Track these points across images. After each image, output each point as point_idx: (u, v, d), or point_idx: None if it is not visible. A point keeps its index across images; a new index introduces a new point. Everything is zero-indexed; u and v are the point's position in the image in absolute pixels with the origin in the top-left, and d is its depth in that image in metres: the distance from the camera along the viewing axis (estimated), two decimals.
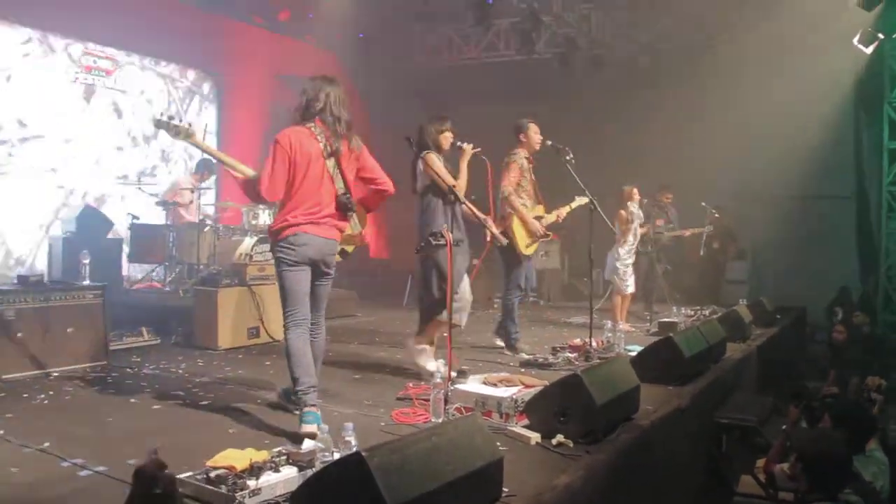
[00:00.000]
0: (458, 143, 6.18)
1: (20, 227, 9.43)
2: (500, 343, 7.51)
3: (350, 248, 5.33)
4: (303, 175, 4.59)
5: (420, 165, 6.10)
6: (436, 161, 6.01)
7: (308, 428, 4.25)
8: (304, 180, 4.60)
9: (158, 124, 4.74)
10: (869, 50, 10.61)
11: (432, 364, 5.89)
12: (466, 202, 5.88)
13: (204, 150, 4.94)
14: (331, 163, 4.71)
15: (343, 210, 4.77)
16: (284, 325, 4.70)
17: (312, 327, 4.83)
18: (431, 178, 6.04)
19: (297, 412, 4.48)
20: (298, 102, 4.79)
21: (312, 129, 4.69)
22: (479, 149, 6.14)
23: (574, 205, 7.69)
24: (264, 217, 9.68)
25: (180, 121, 4.74)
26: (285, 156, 4.55)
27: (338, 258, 5.00)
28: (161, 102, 11.32)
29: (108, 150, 10.39)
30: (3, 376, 5.71)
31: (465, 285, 6.28)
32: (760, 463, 5.74)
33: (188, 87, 11.98)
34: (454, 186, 5.75)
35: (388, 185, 5.09)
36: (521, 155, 7.38)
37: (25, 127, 9.49)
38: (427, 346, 6.26)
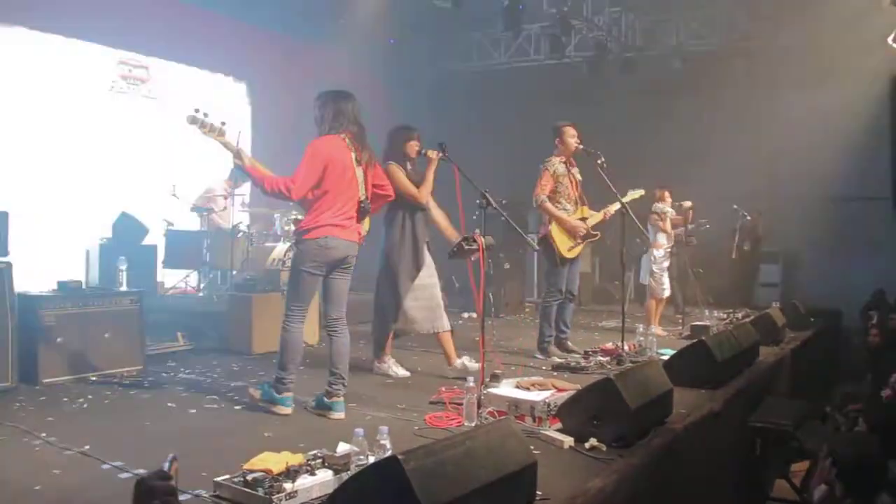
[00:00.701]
0: (424, 151, 6.29)
1: (63, 236, 9.59)
2: (555, 358, 7.27)
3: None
4: (335, 181, 4.93)
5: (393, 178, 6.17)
6: (398, 172, 6.21)
7: (285, 409, 5.02)
8: (336, 186, 4.94)
9: (193, 120, 4.95)
10: None
11: (402, 370, 6.40)
12: (499, 208, 5.83)
13: (231, 151, 5.09)
14: (360, 171, 5.09)
15: (362, 214, 5.19)
16: (287, 317, 5.08)
17: (335, 324, 5.24)
18: (395, 189, 6.01)
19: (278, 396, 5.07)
20: (322, 114, 5.12)
21: (345, 139, 5.03)
22: (444, 155, 6.12)
23: (627, 199, 7.61)
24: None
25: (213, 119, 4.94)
26: (320, 162, 4.88)
27: None
28: (194, 110, 11.44)
29: (142, 157, 10.53)
30: (44, 380, 5.83)
31: (436, 290, 6.56)
32: (795, 467, 5.71)
33: (221, 95, 12.10)
34: (485, 192, 5.72)
35: (391, 191, 5.58)
36: (555, 161, 7.40)
37: (62, 136, 9.65)
38: (389, 359, 6.52)
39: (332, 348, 5.25)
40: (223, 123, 4.99)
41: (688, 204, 9.42)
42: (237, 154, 5.07)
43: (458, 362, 6.46)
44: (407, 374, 6.40)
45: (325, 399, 5.07)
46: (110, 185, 10.08)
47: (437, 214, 6.61)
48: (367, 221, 5.41)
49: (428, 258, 6.48)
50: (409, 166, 6.38)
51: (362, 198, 5.13)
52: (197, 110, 4.94)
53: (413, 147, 6.33)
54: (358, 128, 5.11)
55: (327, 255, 4.97)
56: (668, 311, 10.12)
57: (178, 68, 11.31)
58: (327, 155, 4.91)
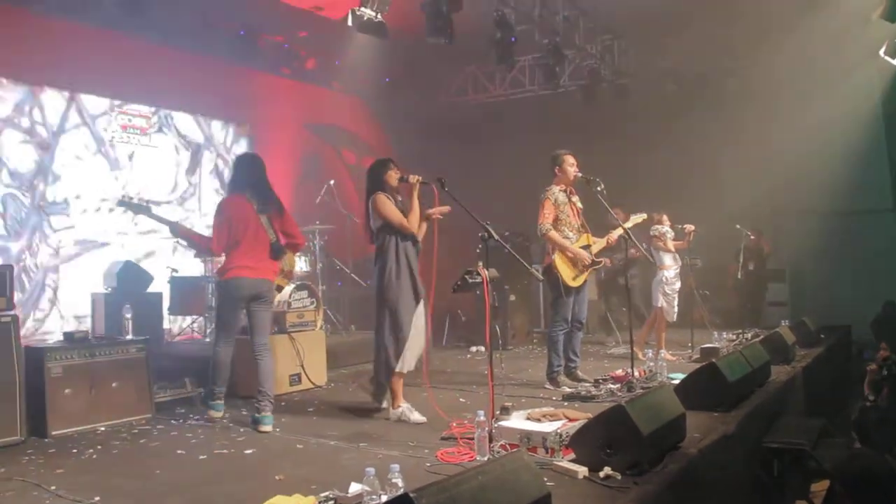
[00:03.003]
0: (404, 177, 6.21)
1: (68, 287, 9.62)
2: (566, 387, 7.17)
3: (284, 283, 7.09)
4: (241, 231, 5.97)
5: (370, 207, 6.16)
6: (385, 201, 6.11)
7: (216, 413, 6.23)
8: (243, 235, 5.98)
9: (120, 203, 6.14)
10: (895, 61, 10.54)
11: (418, 415, 5.98)
12: (501, 241, 5.83)
13: (164, 223, 6.17)
14: (265, 218, 6.11)
15: (276, 254, 6.18)
16: (216, 342, 6.27)
17: (261, 349, 6.19)
18: (383, 219, 6.08)
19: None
20: (230, 177, 6.31)
21: (245, 195, 6.07)
22: (421, 179, 6.12)
23: (629, 224, 7.64)
24: (301, 264, 9.80)
25: (139, 200, 6.20)
26: (224, 220, 5.99)
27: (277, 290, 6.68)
28: (194, 156, 11.53)
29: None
30: (53, 432, 5.81)
31: (420, 325, 6.20)
32: (815, 487, 5.64)
33: (220, 140, 12.18)
34: (487, 223, 5.74)
35: (301, 239, 6.63)
36: (556, 190, 7.41)
37: (65, 188, 9.72)
38: (403, 404, 6.11)
39: (259, 370, 6.13)
40: (147, 202, 6.15)
41: (689, 227, 9.41)
42: (171, 225, 6.16)
43: (416, 414, 6.03)
44: (423, 419, 5.93)
45: (256, 415, 5.95)
46: (114, 234, 10.12)
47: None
48: (289, 258, 6.70)
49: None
50: (398, 198, 6.28)
51: (272, 240, 6.12)
52: (124, 196, 6.17)
53: (393, 177, 6.21)
54: (259, 183, 6.14)
55: (238, 292, 6.03)
56: (676, 335, 10.06)
57: (177, 116, 11.38)
58: (228, 213, 6.00)
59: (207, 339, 9.64)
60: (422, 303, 6.17)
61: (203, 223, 10.81)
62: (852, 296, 12.14)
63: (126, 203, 6.11)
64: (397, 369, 6.07)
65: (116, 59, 9.91)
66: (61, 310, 9.49)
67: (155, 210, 6.39)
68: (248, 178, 6.16)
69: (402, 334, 6.05)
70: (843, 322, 11.44)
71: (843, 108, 11.77)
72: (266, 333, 6.27)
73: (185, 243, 6.36)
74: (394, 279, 6.07)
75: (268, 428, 5.84)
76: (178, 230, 6.26)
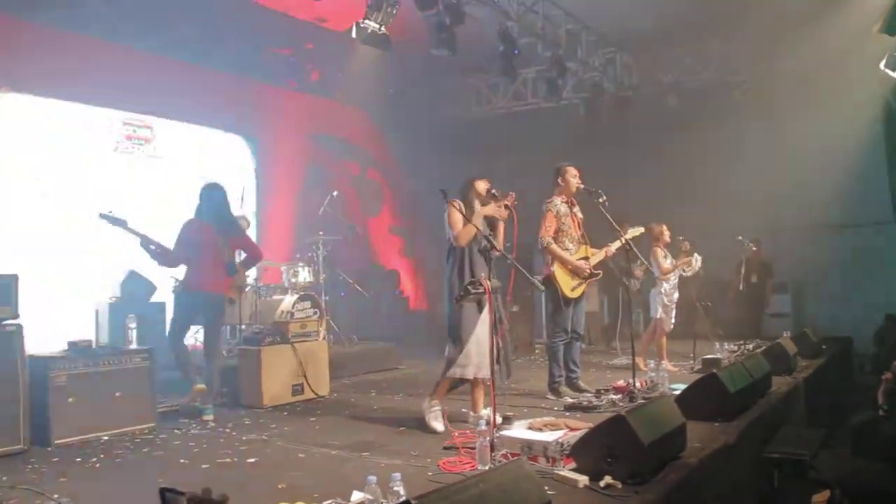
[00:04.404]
0: (493, 191, 6.18)
1: (72, 296, 9.64)
2: (567, 398, 7.16)
3: (235, 296, 7.91)
4: (198, 250, 6.85)
5: (445, 215, 6.08)
6: (455, 212, 5.98)
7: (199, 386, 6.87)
8: (200, 254, 6.86)
9: (102, 217, 6.60)
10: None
11: (440, 425, 5.91)
12: (497, 247, 5.86)
13: (139, 237, 6.71)
14: (221, 239, 7.00)
15: (229, 272, 7.10)
16: (173, 333, 7.03)
17: (210, 353, 7.14)
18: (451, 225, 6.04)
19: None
20: (197, 203, 7.09)
21: (205, 220, 6.97)
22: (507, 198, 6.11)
23: (628, 236, 7.63)
24: (304, 275, 9.83)
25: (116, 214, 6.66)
26: (184, 240, 6.86)
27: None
28: (199, 167, 11.58)
29: (148, 216, 10.59)
30: (56, 441, 5.83)
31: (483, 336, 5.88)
32: (816, 498, 5.64)
33: (226, 151, 12.23)
34: (488, 236, 5.79)
35: (258, 252, 7.54)
36: (557, 201, 7.46)
37: (69, 197, 9.76)
38: (437, 406, 6.08)
39: (210, 371, 7.04)
40: (125, 219, 6.67)
41: (687, 246, 9.43)
42: (141, 237, 6.72)
43: (440, 425, 5.96)
44: (442, 429, 5.88)
45: (199, 406, 6.81)
46: (118, 244, 10.15)
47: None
48: (241, 274, 7.76)
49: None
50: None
51: (228, 259, 7.07)
52: (102, 212, 6.60)
53: (481, 186, 6.20)
54: (219, 209, 7.07)
55: (190, 303, 6.96)
56: (678, 346, 10.07)
57: (181, 127, 11.44)
58: (187, 234, 6.88)
59: None
60: (485, 310, 5.86)
61: None
62: (854, 307, 12.15)
63: (106, 216, 6.60)
64: (449, 375, 6.00)
65: (121, 70, 9.99)
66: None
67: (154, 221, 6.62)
68: (208, 205, 7.06)
69: (460, 343, 5.94)
70: (844, 333, 11.45)
71: (844, 121, 11.81)
72: (215, 340, 7.23)
73: (149, 255, 6.78)
74: (456, 285, 5.97)
75: (209, 417, 6.69)
76: (146, 243, 6.77)
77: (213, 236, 6.95)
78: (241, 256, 7.55)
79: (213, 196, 7.14)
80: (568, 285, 7.37)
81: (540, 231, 7.39)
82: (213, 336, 7.21)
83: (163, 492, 2.40)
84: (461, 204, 6.04)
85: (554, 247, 7.33)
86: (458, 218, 6.00)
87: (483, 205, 6.15)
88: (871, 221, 12.58)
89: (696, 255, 9.40)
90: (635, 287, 6.64)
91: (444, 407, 6.15)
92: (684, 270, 9.41)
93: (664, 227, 9.35)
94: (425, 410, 6.08)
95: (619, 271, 9.32)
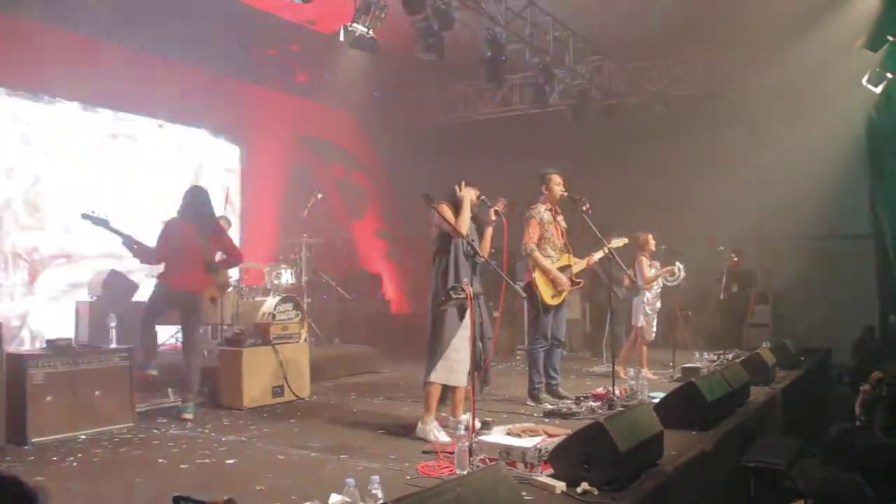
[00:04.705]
0: (483, 198, 6.16)
1: (53, 295, 9.61)
2: (546, 404, 7.19)
3: (216, 295, 7.54)
4: (175, 248, 6.94)
5: (435, 217, 6.01)
6: (447, 210, 5.96)
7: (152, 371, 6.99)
8: (175, 252, 6.95)
9: (84, 216, 6.66)
10: (878, 89, 10.69)
11: (443, 435, 5.75)
12: (479, 251, 5.89)
13: (121, 237, 6.77)
14: (202, 240, 7.08)
15: (208, 270, 7.14)
16: (146, 317, 7.05)
17: (187, 348, 7.18)
18: (437, 225, 6.01)
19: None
20: (181, 204, 7.23)
21: (188, 219, 7.07)
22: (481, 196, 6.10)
23: (612, 246, 7.63)
24: (287, 276, 9.82)
25: (98, 213, 6.71)
26: (164, 238, 7.03)
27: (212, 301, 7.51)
28: (183, 166, 11.56)
29: (132, 215, 10.57)
30: (33, 439, 5.79)
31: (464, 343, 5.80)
32: None
33: (211, 151, 12.21)
34: (472, 241, 5.81)
35: (238, 255, 7.63)
36: (541, 209, 7.48)
37: (52, 195, 9.72)
38: (433, 422, 5.88)
39: (186, 365, 7.11)
40: (106, 215, 6.74)
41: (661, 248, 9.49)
42: (123, 237, 6.77)
43: (443, 435, 5.79)
44: (448, 440, 5.56)
45: (179, 404, 6.99)
46: (100, 242, 10.11)
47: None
48: (223, 273, 7.52)
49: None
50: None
51: (208, 258, 7.14)
52: (84, 212, 6.67)
53: (472, 193, 6.10)
54: (201, 209, 7.19)
55: (166, 296, 6.99)
56: (659, 355, 10.12)
57: (168, 126, 11.41)
58: (167, 233, 7.05)
59: None
60: (467, 317, 5.78)
61: None
62: (833, 319, 12.26)
63: (89, 216, 6.66)
64: (431, 380, 5.88)
65: (107, 67, 9.95)
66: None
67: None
68: (191, 205, 7.18)
69: (439, 347, 5.86)
70: (823, 344, 11.54)
71: (827, 134, 11.91)
72: (193, 339, 7.23)
73: (132, 254, 6.89)
74: (440, 289, 5.86)
75: (189, 415, 6.81)
76: (128, 242, 6.82)
77: (193, 235, 7.02)
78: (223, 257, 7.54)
79: (196, 196, 7.24)
80: (548, 293, 7.38)
81: (523, 238, 7.41)
82: (190, 335, 7.22)
83: (177, 500, 2.33)
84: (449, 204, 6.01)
85: (537, 254, 7.35)
86: (449, 213, 5.95)
87: (472, 211, 6.07)
88: (851, 234, 12.71)
89: (678, 263, 9.47)
90: (622, 295, 6.68)
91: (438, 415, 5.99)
92: (668, 279, 9.47)
93: (649, 237, 9.40)
94: (426, 434, 5.80)
95: (608, 277, 9.35)
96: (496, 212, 6.14)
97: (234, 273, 9.91)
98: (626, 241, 8.17)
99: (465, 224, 5.94)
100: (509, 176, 9.51)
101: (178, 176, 11.48)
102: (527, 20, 11.02)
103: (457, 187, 6.11)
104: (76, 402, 6.13)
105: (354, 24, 8.75)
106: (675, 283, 9.47)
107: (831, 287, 12.65)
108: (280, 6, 10.49)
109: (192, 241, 7.02)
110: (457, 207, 6.04)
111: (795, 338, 10.44)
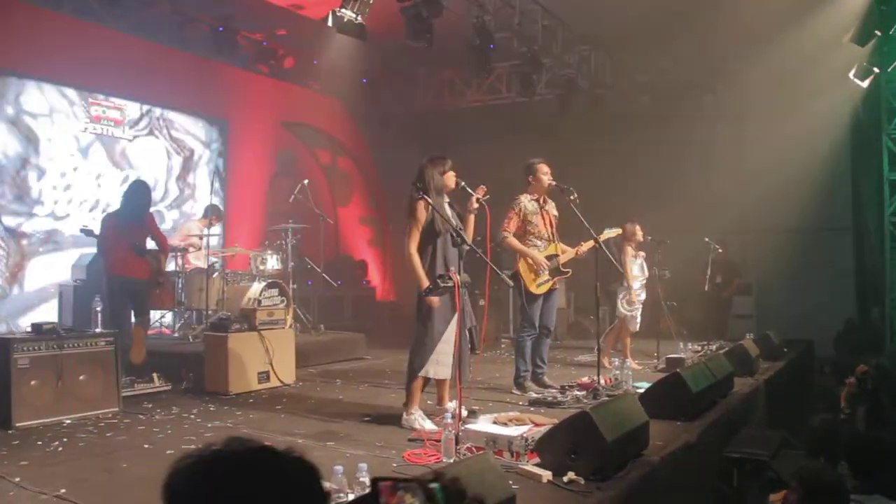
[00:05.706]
0: (462, 184, 6.08)
1: (37, 278, 9.55)
2: (532, 393, 7.17)
3: (161, 280, 8.32)
4: (117, 237, 7.60)
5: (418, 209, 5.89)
6: (423, 214, 5.85)
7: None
8: (120, 240, 7.59)
9: (81, 231, 7.83)
10: (865, 84, 10.76)
11: (429, 423, 5.70)
12: (470, 243, 5.90)
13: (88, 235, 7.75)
14: (126, 227, 7.67)
15: (137, 253, 7.75)
16: (118, 323, 7.19)
17: (136, 328, 7.77)
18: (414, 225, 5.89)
19: None
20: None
21: (118, 215, 7.87)
22: (480, 199, 6.01)
23: (603, 237, 7.53)
24: (272, 262, 9.79)
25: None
26: (107, 227, 7.74)
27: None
28: (169, 150, 11.50)
29: (117, 198, 10.51)
30: (18, 424, 5.75)
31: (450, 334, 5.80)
32: (774, 497, 5.72)
33: (195, 136, 12.14)
34: (460, 229, 5.81)
35: (164, 245, 8.34)
36: (524, 200, 7.42)
37: (36, 177, 9.65)
38: (417, 412, 5.83)
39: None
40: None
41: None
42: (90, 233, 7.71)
43: (428, 423, 5.73)
44: (435, 428, 5.46)
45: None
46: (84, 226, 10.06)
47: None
48: (157, 258, 8.11)
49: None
50: (449, 205, 6.06)
51: (136, 243, 7.75)
52: (81, 227, 7.83)
53: (451, 178, 6.03)
54: (134, 202, 7.91)
55: (118, 285, 7.63)
56: (644, 345, 10.17)
57: (152, 110, 11.33)
58: (109, 223, 7.77)
59: (176, 335, 9.65)
60: (457, 313, 5.76)
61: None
62: (816, 311, 12.36)
63: (84, 231, 7.85)
64: (420, 374, 5.82)
65: (89, 49, 9.89)
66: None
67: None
68: (126, 200, 7.97)
69: (430, 341, 5.78)
70: (806, 336, 11.63)
71: (812, 127, 11.99)
72: (142, 317, 8.06)
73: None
74: (446, 281, 5.70)
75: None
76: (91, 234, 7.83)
77: (117, 226, 7.70)
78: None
79: (133, 193, 8.03)
80: (532, 281, 7.36)
81: (501, 228, 7.32)
82: (139, 318, 7.98)
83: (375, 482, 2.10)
84: (428, 203, 5.86)
85: (511, 240, 7.32)
86: (420, 217, 5.84)
87: (444, 194, 6.01)
88: (836, 226, 12.81)
89: (641, 261, 9.42)
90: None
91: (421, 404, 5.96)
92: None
93: (637, 227, 9.39)
94: (411, 423, 5.75)
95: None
96: (478, 199, 6.08)
97: (217, 260, 9.90)
98: (618, 231, 8.15)
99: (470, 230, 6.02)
100: (496, 163, 9.53)
101: (161, 160, 11.44)
102: (515, 8, 11.01)
103: (474, 199, 5.98)
104: (61, 386, 6.09)
105: (343, 10, 8.70)
106: (642, 281, 9.40)
107: (815, 279, 12.75)
108: None
109: (119, 231, 7.67)
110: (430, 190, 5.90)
111: (779, 329, 10.51)
